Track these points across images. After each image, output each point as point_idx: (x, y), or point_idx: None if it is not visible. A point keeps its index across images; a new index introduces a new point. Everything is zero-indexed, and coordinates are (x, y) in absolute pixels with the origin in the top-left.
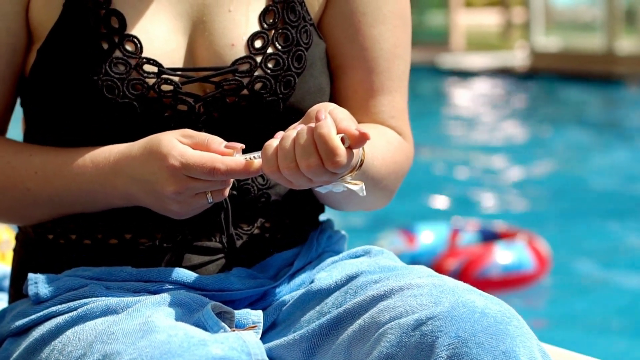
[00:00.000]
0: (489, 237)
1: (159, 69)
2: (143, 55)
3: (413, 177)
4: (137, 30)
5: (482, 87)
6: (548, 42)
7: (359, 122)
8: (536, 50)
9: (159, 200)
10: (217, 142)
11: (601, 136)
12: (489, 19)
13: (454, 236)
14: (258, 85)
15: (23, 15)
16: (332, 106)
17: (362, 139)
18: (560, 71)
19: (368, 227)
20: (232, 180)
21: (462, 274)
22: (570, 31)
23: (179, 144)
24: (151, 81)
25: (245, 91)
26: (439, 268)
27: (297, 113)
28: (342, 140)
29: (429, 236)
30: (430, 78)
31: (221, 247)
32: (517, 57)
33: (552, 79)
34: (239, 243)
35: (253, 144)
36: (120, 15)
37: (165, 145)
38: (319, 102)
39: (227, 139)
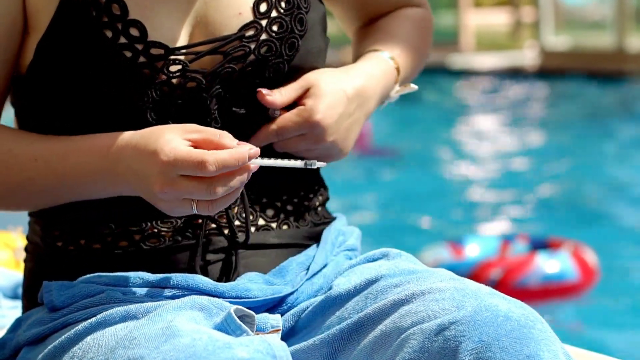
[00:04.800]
0: (540, 248)
1: (165, 51)
2: (149, 39)
3: (443, 190)
4: (140, 14)
5: (493, 87)
6: (558, 41)
7: (378, 15)
8: (546, 49)
9: (149, 195)
10: (230, 137)
11: (615, 134)
12: (498, 19)
13: (504, 248)
14: (264, 49)
15: (20, 1)
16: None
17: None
18: (570, 70)
19: (418, 242)
20: (221, 197)
21: (500, 283)
22: (580, 30)
23: (175, 140)
24: (159, 64)
25: (252, 57)
26: (478, 277)
27: (298, 72)
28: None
29: (476, 248)
30: (440, 79)
31: (232, 246)
32: (527, 57)
33: (563, 78)
34: (250, 241)
35: (256, 108)
36: (121, 1)
37: (162, 141)
38: (318, 62)
39: (234, 107)
